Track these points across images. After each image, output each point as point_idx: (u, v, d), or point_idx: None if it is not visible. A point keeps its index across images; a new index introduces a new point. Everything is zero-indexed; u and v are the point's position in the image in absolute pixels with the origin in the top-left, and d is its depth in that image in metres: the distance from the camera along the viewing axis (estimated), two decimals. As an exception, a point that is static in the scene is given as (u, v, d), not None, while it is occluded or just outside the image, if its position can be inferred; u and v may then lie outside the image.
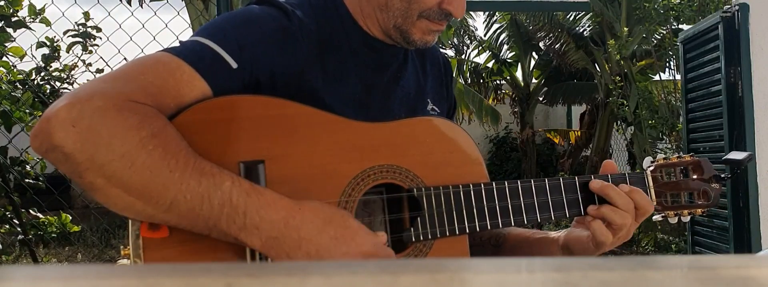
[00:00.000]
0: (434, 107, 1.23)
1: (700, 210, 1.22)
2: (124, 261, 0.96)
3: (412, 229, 1.04)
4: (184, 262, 0.92)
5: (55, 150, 0.85)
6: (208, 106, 0.96)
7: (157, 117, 0.89)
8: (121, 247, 0.94)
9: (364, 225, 0.96)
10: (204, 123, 0.95)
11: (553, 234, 1.21)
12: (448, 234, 1.06)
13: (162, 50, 1.00)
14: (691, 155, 1.23)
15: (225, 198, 0.87)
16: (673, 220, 1.22)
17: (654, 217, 1.22)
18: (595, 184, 1.13)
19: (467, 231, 1.07)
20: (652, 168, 1.21)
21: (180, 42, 1.02)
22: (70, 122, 0.84)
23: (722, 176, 1.23)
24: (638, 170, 1.23)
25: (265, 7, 1.07)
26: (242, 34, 1.01)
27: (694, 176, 1.22)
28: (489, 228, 1.09)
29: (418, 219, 1.05)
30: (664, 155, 1.24)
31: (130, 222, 0.91)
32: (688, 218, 1.22)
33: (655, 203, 1.19)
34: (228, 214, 0.87)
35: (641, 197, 1.12)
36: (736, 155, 1.24)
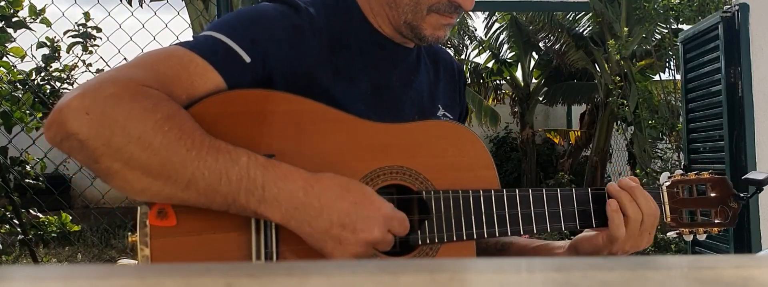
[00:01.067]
0: (446, 112, 1.23)
1: (716, 229, 1.19)
2: (126, 261, 0.96)
3: (419, 232, 1.04)
4: (190, 251, 0.93)
5: (70, 138, 0.86)
6: (220, 99, 0.96)
7: (169, 101, 0.90)
8: (129, 234, 0.95)
9: None
10: (216, 116, 0.95)
11: (560, 243, 1.20)
12: (455, 239, 1.05)
13: (175, 44, 1.00)
14: (709, 173, 1.21)
15: (242, 173, 0.88)
16: (688, 237, 1.20)
17: (668, 234, 1.20)
18: (626, 183, 1.12)
19: (475, 237, 1.06)
20: (668, 184, 1.19)
21: (193, 37, 1.03)
22: (83, 110, 0.85)
23: (741, 195, 1.19)
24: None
25: (277, 4, 1.07)
26: (255, 31, 1.02)
27: (713, 194, 1.19)
28: (497, 235, 1.07)
29: (426, 222, 1.04)
30: (681, 171, 1.22)
31: (138, 209, 0.91)
32: (704, 236, 1.20)
33: (669, 219, 1.17)
34: (246, 188, 0.88)
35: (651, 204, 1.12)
36: (757, 175, 1.20)
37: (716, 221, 1.19)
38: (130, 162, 0.86)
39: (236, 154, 0.89)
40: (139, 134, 0.86)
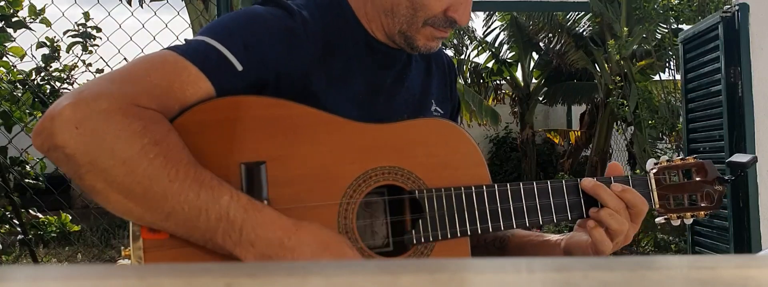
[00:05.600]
0: (438, 108, 1.23)
1: (703, 213, 1.21)
2: (125, 262, 0.96)
3: (413, 231, 1.04)
4: (183, 263, 0.92)
5: (57, 150, 0.85)
6: (210, 106, 0.96)
7: (161, 123, 0.89)
8: (122, 248, 0.95)
9: (361, 248, 0.96)
10: (206, 124, 0.95)
11: (555, 237, 1.20)
12: (449, 236, 1.05)
13: (167, 49, 1.00)
14: (694, 158, 1.22)
15: (222, 213, 0.87)
16: (676, 222, 1.21)
17: (657, 219, 1.21)
18: (588, 183, 1.11)
19: (468, 233, 1.06)
20: (655, 170, 1.20)
21: (185, 41, 1.02)
22: (74, 123, 0.84)
23: (726, 178, 1.20)
24: (641, 173, 1.22)
25: (270, 7, 1.07)
26: (247, 35, 1.01)
27: (698, 179, 1.20)
28: (490, 230, 1.08)
29: (420, 221, 1.04)
30: (667, 158, 1.23)
31: (130, 222, 0.91)
32: (691, 220, 1.21)
33: (657, 205, 1.18)
34: (224, 229, 0.87)
35: (633, 196, 1.11)
36: (740, 158, 1.22)
37: (702, 204, 1.20)
38: (114, 184, 0.86)
39: (219, 191, 0.88)
40: (124, 158, 0.85)
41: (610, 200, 1.10)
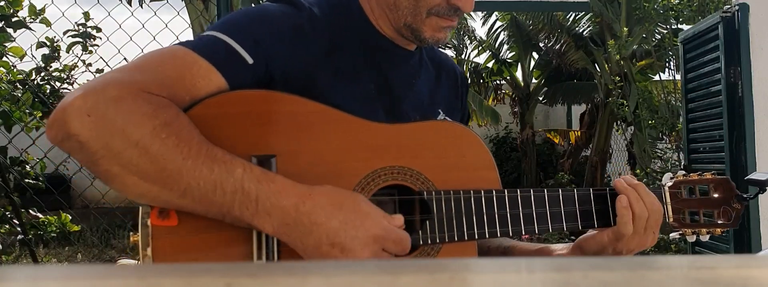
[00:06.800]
0: (446, 117, 1.23)
1: (719, 230, 1.19)
2: (125, 261, 0.96)
3: (420, 232, 1.04)
4: (191, 250, 0.93)
5: (71, 139, 0.87)
6: (221, 100, 0.96)
7: (170, 106, 0.91)
8: (130, 234, 0.95)
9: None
10: (217, 117, 0.95)
11: (561, 246, 1.19)
12: (456, 239, 1.05)
13: (177, 44, 1.01)
14: (712, 173, 1.20)
15: (237, 185, 0.88)
16: (691, 238, 1.19)
17: (671, 235, 1.19)
18: (628, 180, 1.12)
19: (476, 237, 1.06)
20: (670, 184, 1.18)
21: (195, 37, 1.03)
22: (85, 111, 0.86)
23: (745, 196, 1.19)
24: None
25: (280, 4, 1.08)
26: (257, 31, 1.02)
27: (715, 195, 1.19)
28: (498, 235, 1.07)
29: (427, 222, 1.04)
30: (684, 172, 1.21)
31: (139, 209, 0.92)
32: (707, 237, 1.19)
33: (671, 220, 1.17)
34: (240, 201, 0.88)
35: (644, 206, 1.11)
36: (759, 176, 1.20)
37: (719, 221, 1.18)
38: (129, 167, 0.87)
39: (232, 165, 0.89)
40: (137, 140, 0.86)
41: (648, 200, 1.10)
